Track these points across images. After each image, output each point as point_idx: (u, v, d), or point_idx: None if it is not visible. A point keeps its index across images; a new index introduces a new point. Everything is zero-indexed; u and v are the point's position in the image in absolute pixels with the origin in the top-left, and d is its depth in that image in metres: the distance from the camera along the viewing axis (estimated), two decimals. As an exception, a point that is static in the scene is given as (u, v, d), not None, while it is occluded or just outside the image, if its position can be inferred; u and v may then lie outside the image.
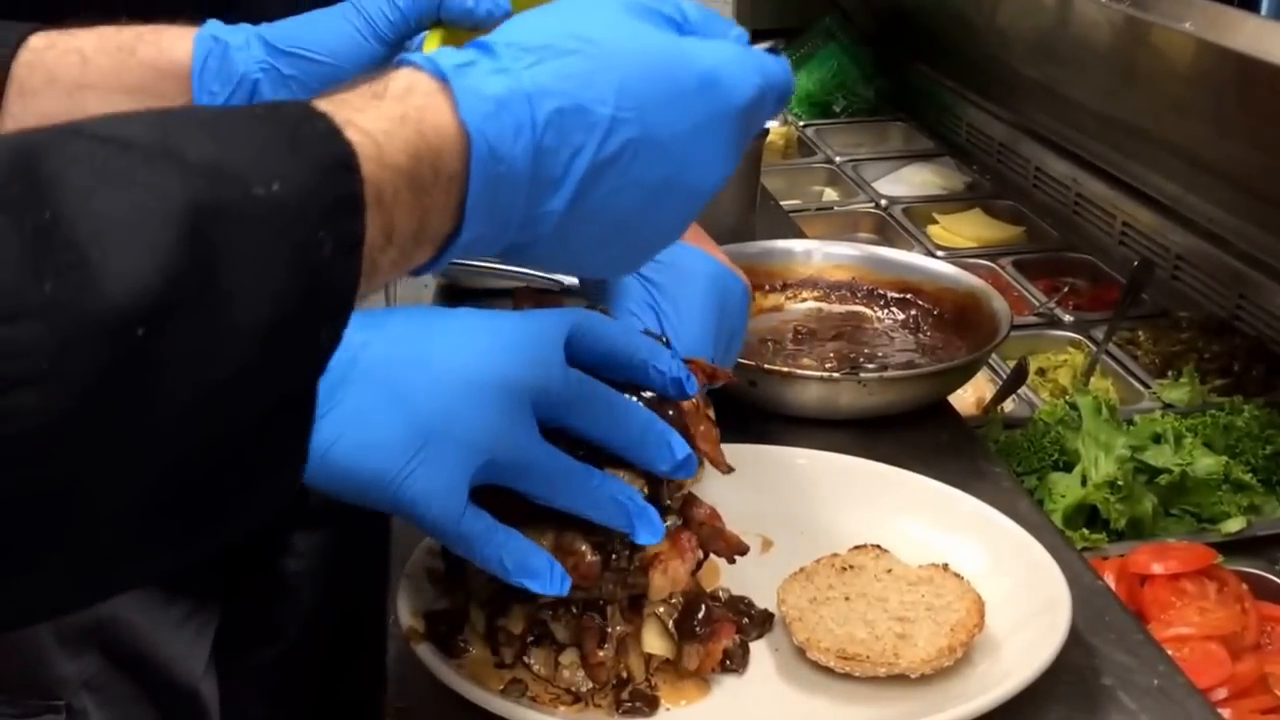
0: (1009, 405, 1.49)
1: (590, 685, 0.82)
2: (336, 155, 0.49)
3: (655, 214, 0.62)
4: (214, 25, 0.82)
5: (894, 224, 2.10)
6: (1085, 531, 1.20)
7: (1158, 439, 1.27)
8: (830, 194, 2.31)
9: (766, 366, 1.18)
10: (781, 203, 2.22)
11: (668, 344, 0.86)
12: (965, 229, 2.07)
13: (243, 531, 0.49)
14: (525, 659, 0.83)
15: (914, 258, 1.43)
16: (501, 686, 0.82)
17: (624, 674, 0.83)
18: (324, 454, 0.69)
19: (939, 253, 1.96)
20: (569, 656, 0.83)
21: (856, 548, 0.96)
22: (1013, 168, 2.26)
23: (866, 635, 0.86)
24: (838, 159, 2.38)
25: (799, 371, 1.19)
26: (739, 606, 0.92)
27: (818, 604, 0.89)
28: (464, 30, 0.82)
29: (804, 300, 1.45)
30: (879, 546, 0.95)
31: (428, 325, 0.74)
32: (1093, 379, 1.57)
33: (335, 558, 1.18)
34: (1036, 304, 1.75)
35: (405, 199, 0.52)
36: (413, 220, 0.53)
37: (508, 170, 0.56)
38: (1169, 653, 0.99)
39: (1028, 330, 1.69)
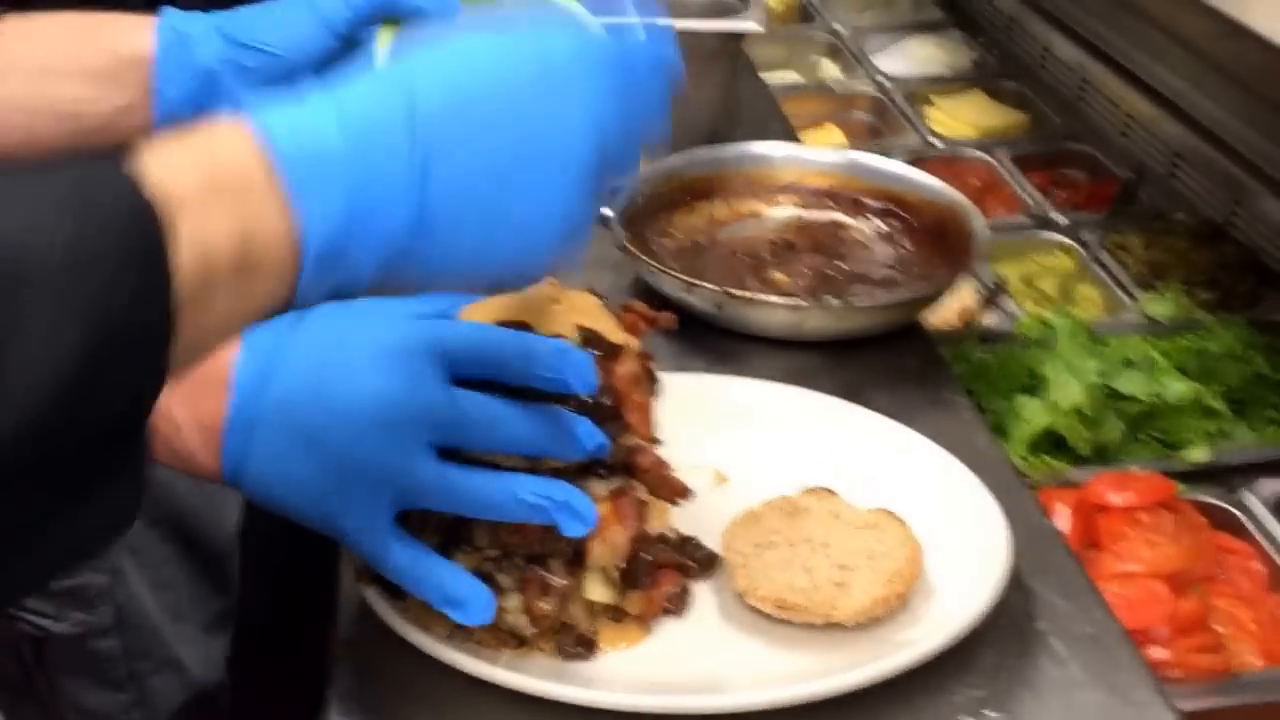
0: (989, 317, 1.48)
1: (533, 630, 0.84)
2: (133, 206, 0.48)
3: (527, 183, 0.59)
4: (172, 14, 0.81)
5: (892, 107, 2.05)
6: (1047, 458, 1.21)
7: (1130, 364, 1.26)
8: (829, 67, 2.25)
9: (733, 291, 1.18)
10: (777, 73, 2.18)
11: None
12: (965, 114, 2.03)
13: (86, 559, 0.50)
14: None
15: (897, 166, 1.41)
16: (447, 632, 0.84)
17: (565, 619, 0.85)
18: (265, 496, 0.74)
19: (936, 141, 1.93)
20: (512, 601, 0.85)
21: (806, 490, 0.97)
22: (1020, 46, 2.20)
23: (806, 584, 0.87)
24: (838, 27, 2.31)
25: (764, 298, 1.19)
26: (686, 548, 0.93)
27: (761, 549, 0.91)
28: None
29: (782, 206, 1.43)
30: (828, 490, 0.96)
31: (322, 355, 0.73)
32: (1080, 286, 1.56)
33: None
34: (1030, 203, 1.73)
35: (219, 210, 0.51)
36: (235, 230, 0.51)
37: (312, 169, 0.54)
38: (1112, 591, 1.02)
39: (1017, 232, 1.67)
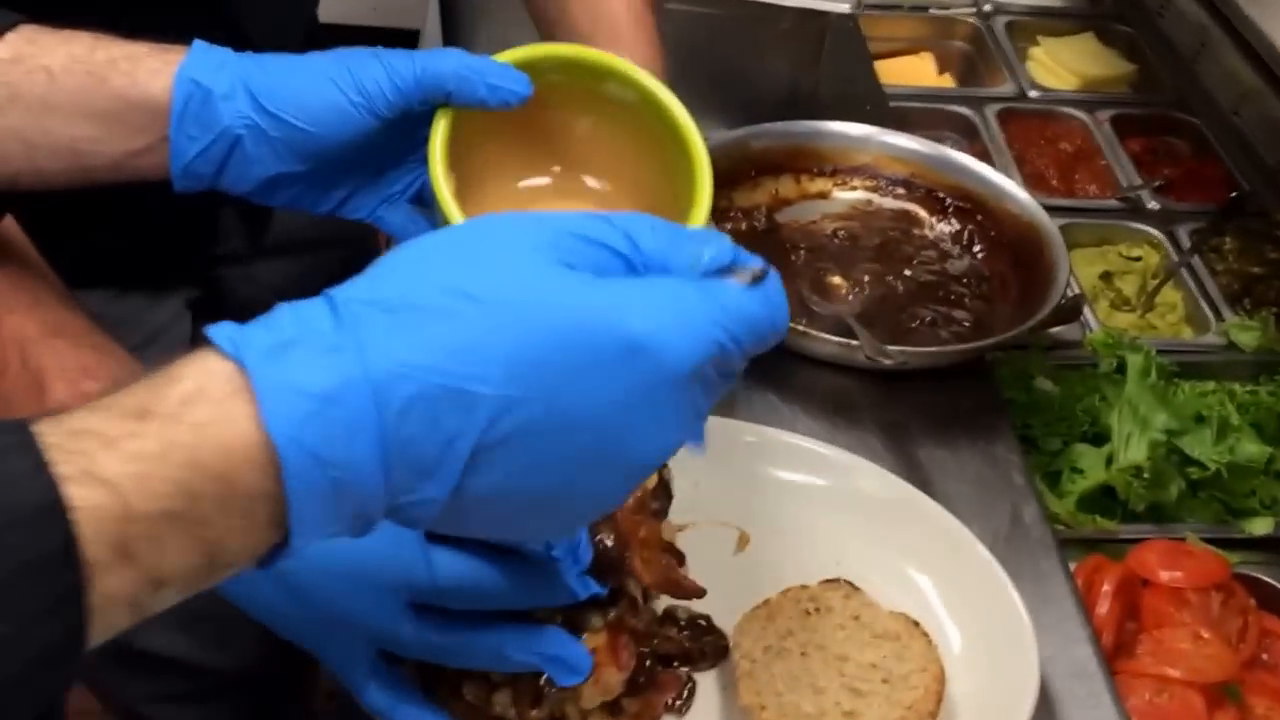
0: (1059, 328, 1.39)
1: (521, 726, 0.81)
2: (45, 548, 0.41)
3: (584, 487, 0.52)
4: (196, 62, 0.72)
5: (991, 42, 1.90)
6: (1098, 518, 1.14)
7: (1200, 418, 1.17)
8: (932, -12, 2.09)
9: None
10: (870, -7, 2.02)
11: None
12: (1069, 59, 1.87)
13: None
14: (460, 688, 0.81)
15: (979, 167, 1.30)
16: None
17: (559, 716, 0.82)
18: (248, 608, 0.71)
19: (1032, 92, 1.79)
20: (502, 696, 0.81)
21: (827, 582, 0.91)
22: (1142, -15, 2.02)
23: (813, 709, 0.83)
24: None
25: (814, 334, 1.11)
26: (696, 630, 0.89)
27: (771, 655, 0.86)
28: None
29: (854, 189, 1.33)
30: (850, 584, 0.91)
31: None
32: (1164, 290, 1.45)
33: (309, 284, 1.19)
34: (1123, 184, 1.60)
35: (174, 542, 0.44)
36: (195, 554, 0.45)
37: (345, 475, 0.47)
38: (1144, 700, 0.97)
39: (1105, 219, 1.56)
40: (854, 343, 1.09)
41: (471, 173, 0.77)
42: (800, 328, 1.10)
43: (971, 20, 1.96)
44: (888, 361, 1.09)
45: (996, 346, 1.14)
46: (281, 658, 0.97)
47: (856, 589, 0.91)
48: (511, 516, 0.52)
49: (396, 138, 0.74)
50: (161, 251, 1.11)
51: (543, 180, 0.82)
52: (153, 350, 1.04)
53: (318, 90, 0.71)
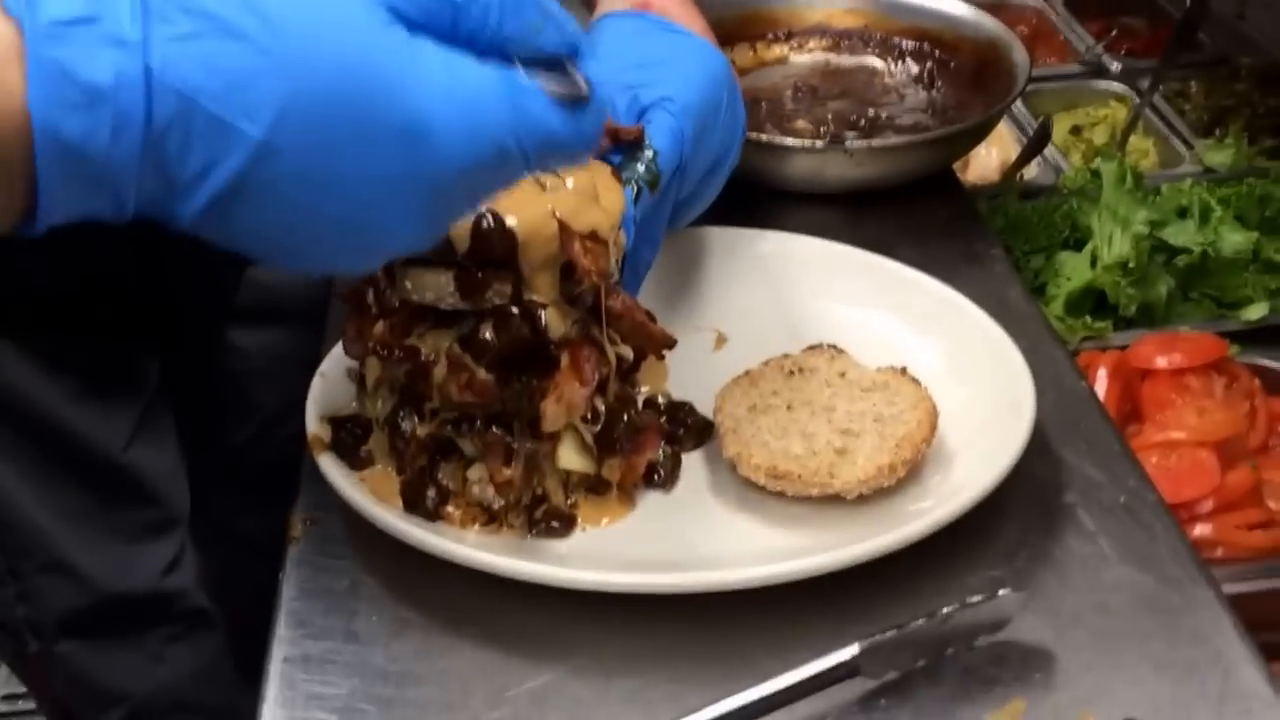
0: (1033, 170, 1.37)
1: (500, 502, 0.77)
2: None
3: (331, 253, 0.51)
4: None
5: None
6: (1088, 319, 1.11)
7: (1183, 213, 1.15)
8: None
9: (747, 135, 1.07)
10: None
11: (642, 138, 0.79)
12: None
13: None
14: (434, 474, 0.78)
15: (932, 1, 1.28)
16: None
17: (539, 491, 0.78)
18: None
19: (984, -15, 1.78)
20: (478, 471, 0.77)
21: (810, 348, 0.88)
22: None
23: (803, 450, 0.79)
24: None
25: (778, 140, 1.08)
26: (677, 414, 0.85)
27: (756, 413, 0.82)
28: None
29: (810, 51, 1.32)
30: (835, 346, 0.87)
31: None
32: (1132, 138, 1.43)
33: (286, 359, 1.13)
34: (1082, 49, 1.59)
35: None
36: None
37: (102, 171, 0.45)
38: (1152, 462, 0.93)
39: (1069, 81, 1.55)
40: (819, 144, 1.07)
41: None
42: (765, 139, 1.08)
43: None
44: (856, 148, 1.06)
45: (966, 135, 1.11)
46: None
47: (841, 351, 0.87)
48: (273, 252, 0.50)
49: None
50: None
51: None
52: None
53: None
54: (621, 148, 0.81)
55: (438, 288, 0.71)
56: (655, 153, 0.81)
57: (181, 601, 1.06)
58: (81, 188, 0.46)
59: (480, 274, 0.70)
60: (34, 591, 1.01)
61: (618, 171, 0.78)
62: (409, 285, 0.72)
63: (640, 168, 0.80)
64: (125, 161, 0.46)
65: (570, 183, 0.72)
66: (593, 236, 0.71)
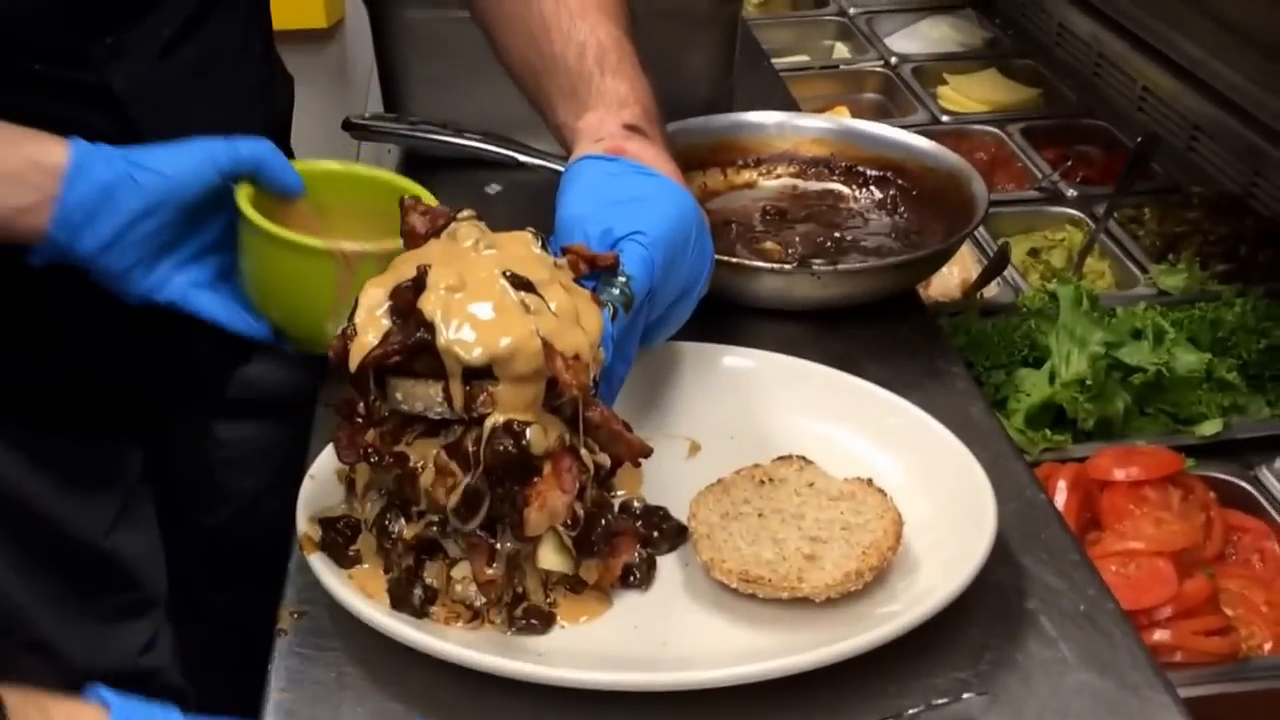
0: (993, 289, 1.42)
1: (483, 600, 0.79)
2: None
3: None
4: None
5: (901, 85, 1.99)
6: (1048, 432, 1.15)
7: (1138, 334, 1.20)
8: (840, 50, 2.20)
9: (718, 257, 1.12)
10: (787, 58, 2.12)
11: (617, 264, 0.85)
12: (977, 91, 1.96)
13: None
14: (420, 573, 0.80)
15: (894, 132, 1.35)
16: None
17: (520, 590, 0.80)
18: None
19: (945, 118, 1.87)
20: (462, 570, 0.80)
21: (780, 458, 0.91)
22: (1035, 23, 2.13)
23: (773, 556, 0.82)
24: (851, 10, 2.25)
25: (748, 262, 1.13)
26: (653, 519, 0.88)
27: (729, 520, 0.85)
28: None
29: (778, 177, 1.38)
30: (804, 458, 0.91)
31: None
32: (1089, 260, 1.49)
33: (268, 449, 1.16)
34: (1039, 176, 1.66)
35: None
36: None
37: None
38: (1112, 571, 0.96)
39: (1027, 206, 1.61)
40: (788, 267, 1.11)
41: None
42: (736, 261, 1.12)
43: (881, 70, 2.06)
44: (823, 271, 1.11)
45: (928, 260, 1.16)
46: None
47: (809, 462, 0.91)
48: None
49: (210, 217, 0.89)
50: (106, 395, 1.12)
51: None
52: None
53: (180, 149, 0.88)
54: (598, 273, 0.85)
55: (427, 399, 0.75)
56: (629, 277, 0.86)
57: (157, 680, 1.07)
58: None
59: (469, 387, 0.74)
60: (13, 670, 1.02)
61: (596, 295, 0.83)
62: (399, 396, 0.76)
63: (615, 291, 0.85)
64: None
65: (554, 306, 0.76)
66: (575, 355, 0.75)
